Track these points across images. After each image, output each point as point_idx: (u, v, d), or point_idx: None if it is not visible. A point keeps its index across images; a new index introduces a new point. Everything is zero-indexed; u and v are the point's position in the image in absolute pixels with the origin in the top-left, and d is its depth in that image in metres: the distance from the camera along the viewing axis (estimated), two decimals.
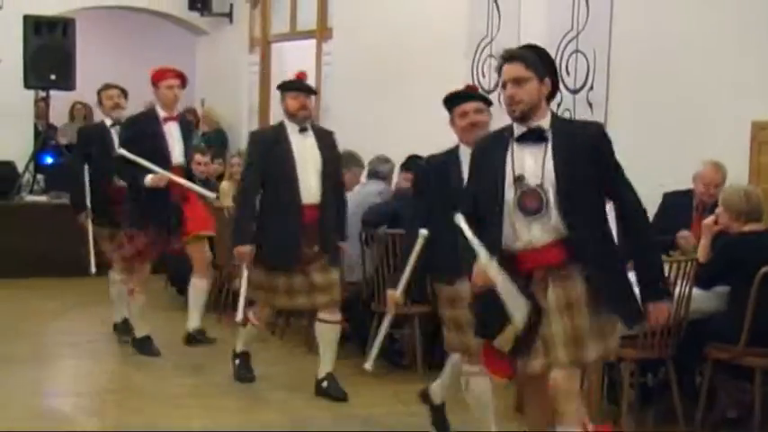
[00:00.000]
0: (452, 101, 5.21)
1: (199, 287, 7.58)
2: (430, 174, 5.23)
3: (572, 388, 4.10)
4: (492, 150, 4.23)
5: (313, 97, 6.63)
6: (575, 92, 7.81)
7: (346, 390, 6.35)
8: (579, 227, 4.08)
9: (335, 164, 6.50)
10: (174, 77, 7.23)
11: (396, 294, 5.23)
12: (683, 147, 6.96)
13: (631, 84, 7.46)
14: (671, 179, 6.71)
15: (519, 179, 4.11)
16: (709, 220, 5.87)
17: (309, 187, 6.25)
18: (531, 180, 4.09)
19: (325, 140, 6.45)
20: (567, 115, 7.81)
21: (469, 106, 5.15)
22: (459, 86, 8.84)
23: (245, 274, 6.41)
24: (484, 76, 8.79)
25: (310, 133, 6.36)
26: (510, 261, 4.12)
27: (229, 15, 13.35)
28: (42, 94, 11.81)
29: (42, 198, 11.13)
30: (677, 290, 5.58)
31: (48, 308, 9.10)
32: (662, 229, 6.26)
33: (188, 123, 7.57)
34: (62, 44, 11.32)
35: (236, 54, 13.07)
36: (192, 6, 13.17)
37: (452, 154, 5.15)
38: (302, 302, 6.39)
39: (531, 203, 4.08)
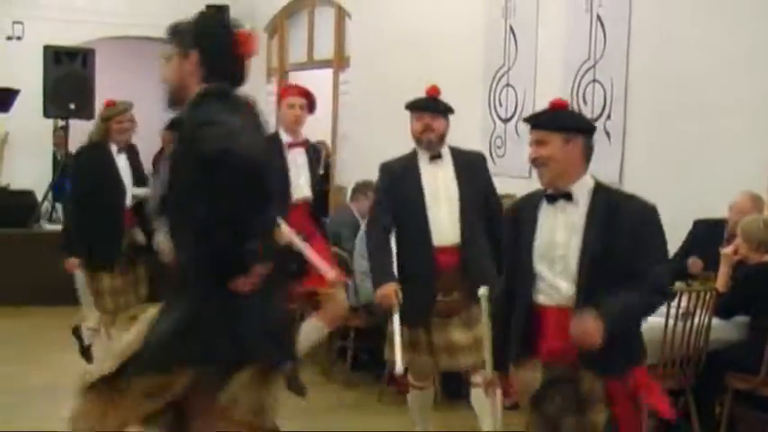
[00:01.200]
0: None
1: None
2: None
3: None
4: None
5: (443, 118, 5.47)
6: (592, 120, 7.78)
7: (364, 415, 6.31)
8: None
9: (480, 195, 5.47)
10: (297, 95, 6.24)
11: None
12: (701, 176, 6.94)
13: (649, 113, 7.45)
14: (688, 208, 6.68)
15: None
16: (729, 249, 5.85)
17: (441, 227, 5.34)
18: None
19: (470, 167, 5.50)
20: None
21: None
22: (476, 115, 8.93)
23: (396, 319, 5.30)
24: (501, 104, 8.81)
25: (446, 161, 5.43)
26: None
27: None
28: (61, 123, 11.90)
29: (60, 227, 11.15)
30: (696, 320, 5.57)
31: (66, 337, 9.07)
32: (689, 257, 6.24)
33: (317, 152, 6.55)
34: (82, 74, 11.41)
35: (254, 83, 12.95)
36: None
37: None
38: (445, 363, 5.44)
39: None
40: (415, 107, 5.50)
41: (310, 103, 6.25)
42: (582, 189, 3.87)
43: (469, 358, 5.30)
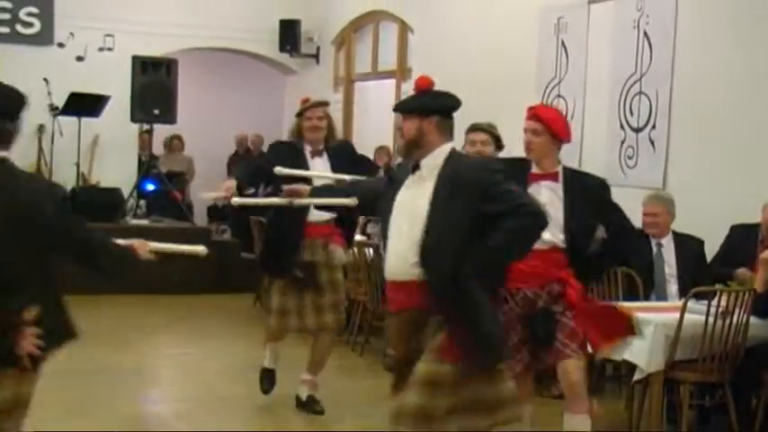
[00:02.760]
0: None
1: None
2: None
3: None
4: None
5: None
6: (638, 130, 7.74)
7: None
8: None
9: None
10: (529, 118, 4.75)
11: None
12: (743, 182, 6.85)
13: (691, 123, 7.38)
14: (727, 213, 6.59)
15: None
16: (767, 254, 5.75)
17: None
18: None
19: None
20: (629, 153, 7.76)
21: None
22: None
23: None
24: None
25: (428, 174, 3.92)
26: None
27: (316, 56, 13.49)
28: (146, 127, 12.05)
29: (144, 221, 11.31)
30: (735, 318, 5.50)
31: (147, 322, 9.21)
32: (726, 261, 6.16)
33: (589, 184, 4.83)
34: (165, 82, 11.54)
35: (322, 92, 13.15)
36: (282, 48, 13.34)
37: None
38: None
39: None
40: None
41: (545, 125, 4.70)
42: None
43: None
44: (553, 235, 4.54)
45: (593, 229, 4.77)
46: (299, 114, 5.99)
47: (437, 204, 3.80)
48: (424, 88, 4.02)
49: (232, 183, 5.64)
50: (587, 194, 4.70)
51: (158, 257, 3.97)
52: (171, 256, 4.07)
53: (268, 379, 6.40)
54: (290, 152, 5.89)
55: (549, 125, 4.69)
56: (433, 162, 3.89)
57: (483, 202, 3.75)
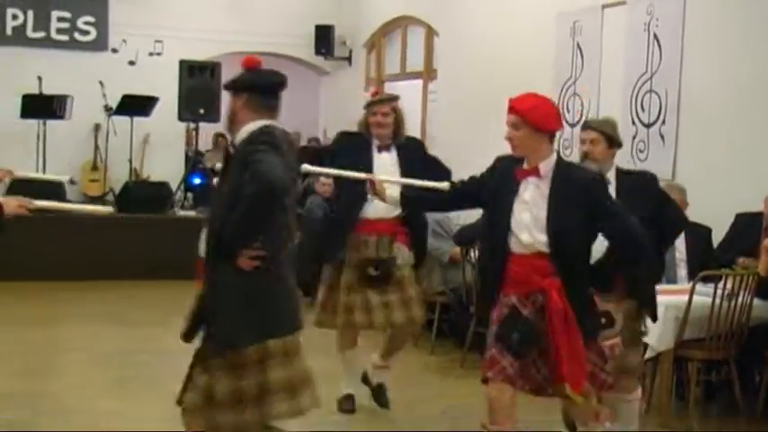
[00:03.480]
0: None
1: None
2: None
3: None
4: None
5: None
6: (648, 126, 7.73)
7: (447, 378, 6.31)
8: None
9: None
10: (508, 111, 4.16)
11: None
12: (747, 173, 6.84)
13: (698, 119, 7.36)
14: (732, 203, 6.58)
15: None
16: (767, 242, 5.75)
17: None
18: None
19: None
20: (640, 147, 7.75)
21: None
22: None
23: None
24: (568, 111, 8.76)
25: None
26: None
27: (349, 59, 13.54)
28: (192, 125, 12.15)
29: (191, 213, 11.41)
30: (740, 299, 5.50)
31: (187, 305, 9.25)
32: (731, 247, 6.15)
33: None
34: (210, 84, 11.63)
35: (354, 91, 13.23)
36: (317, 51, 13.42)
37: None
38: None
39: None
40: None
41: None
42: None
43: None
44: (533, 237, 3.90)
45: (588, 231, 3.94)
46: (368, 106, 5.45)
47: (222, 180, 3.76)
48: (248, 66, 3.90)
49: None
50: (575, 190, 3.90)
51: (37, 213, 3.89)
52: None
53: (348, 403, 5.68)
54: (356, 144, 5.39)
55: (526, 116, 3.95)
56: (239, 139, 3.74)
57: (244, 174, 3.56)
